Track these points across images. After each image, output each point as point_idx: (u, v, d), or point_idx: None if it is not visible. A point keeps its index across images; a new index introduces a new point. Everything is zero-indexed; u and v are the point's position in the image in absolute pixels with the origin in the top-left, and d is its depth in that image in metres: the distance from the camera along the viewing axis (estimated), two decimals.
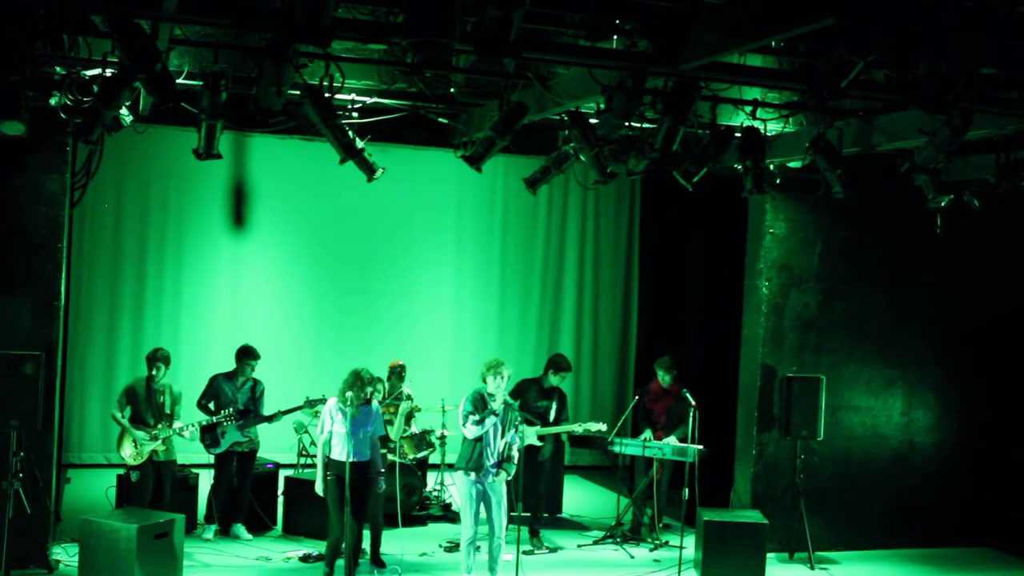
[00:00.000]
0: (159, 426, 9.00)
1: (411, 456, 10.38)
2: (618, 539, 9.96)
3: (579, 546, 9.93)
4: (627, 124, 7.31)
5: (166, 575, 7.98)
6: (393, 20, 5.99)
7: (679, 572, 8.73)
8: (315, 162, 11.04)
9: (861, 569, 9.80)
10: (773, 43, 6.57)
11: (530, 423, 9.46)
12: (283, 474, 10.31)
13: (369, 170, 7.61)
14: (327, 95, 6.96)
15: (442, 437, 10.76)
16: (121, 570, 7.73)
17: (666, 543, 9.86)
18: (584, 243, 13.89)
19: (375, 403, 8.31)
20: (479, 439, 8.13)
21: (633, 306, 14.12)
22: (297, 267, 13.04)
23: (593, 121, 7.68)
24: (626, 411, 10.18)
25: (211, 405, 9.57)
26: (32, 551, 8.32)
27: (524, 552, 8.88)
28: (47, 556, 8.43)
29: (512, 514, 8.49)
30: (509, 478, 8.26)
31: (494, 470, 8.17)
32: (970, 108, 6.87)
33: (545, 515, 10.56)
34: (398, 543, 9.28)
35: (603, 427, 10.09)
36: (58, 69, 7.06)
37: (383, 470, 8.43)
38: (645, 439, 9.87)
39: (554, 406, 9.69)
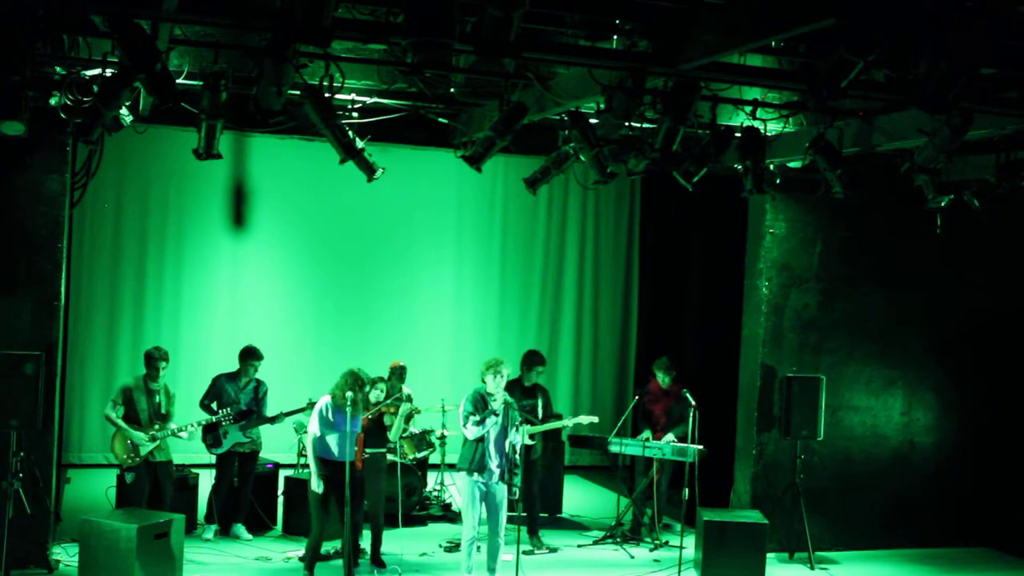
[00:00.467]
0: (156, 426, 8.98)
1: (411, 456, 10.38)
2: (618, 539, 9.96)
3: (579, 546, 9.93)
4: (627, 124, 7.30)
5: (166, 575, 7.98)
6: (393, 20, 5.99)
7: (679, 572, 8.73)
8: (315, 162, 11.04)
9: (861, 569, 9.80)
10: (773, 43, 6.57)
11: (529, 422, 9.46)
12: (283, 474, 10.31)
13: (369, 170, 7.61)
14: (327, 95, 6.96)
15: (442, 437, 10.76)
16: (121, 570, 7.73)
17: (666, 543, 9.86)
18: (584, 243, 13.89)
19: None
20: (480, 439, 8.12)
21: (633, 306, 14.12)
22: (297, 267, 13.04)
23: (593, 121, 7.68)
24: (626, 411, 10.18)
25: (213, 405, 9.57)
26: (32, 551, 8.32)
27: (524, 552, 8.88)
28: (47, 556, 8.43)
29: (511, 514, 8.49)
30: (515, 497, 8.26)
31: (497, 471, 8.16)
32: (970, 108, 6.87)
33: (545, 515, 10.57)
34: (398, 543, 9.28)
35: (595, 419, 10.13)
36: (58, 69, 7.06)
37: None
38: (645, 439, 9.87)
39: (540, 403, 9.69)
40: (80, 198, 9.01)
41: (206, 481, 9.95)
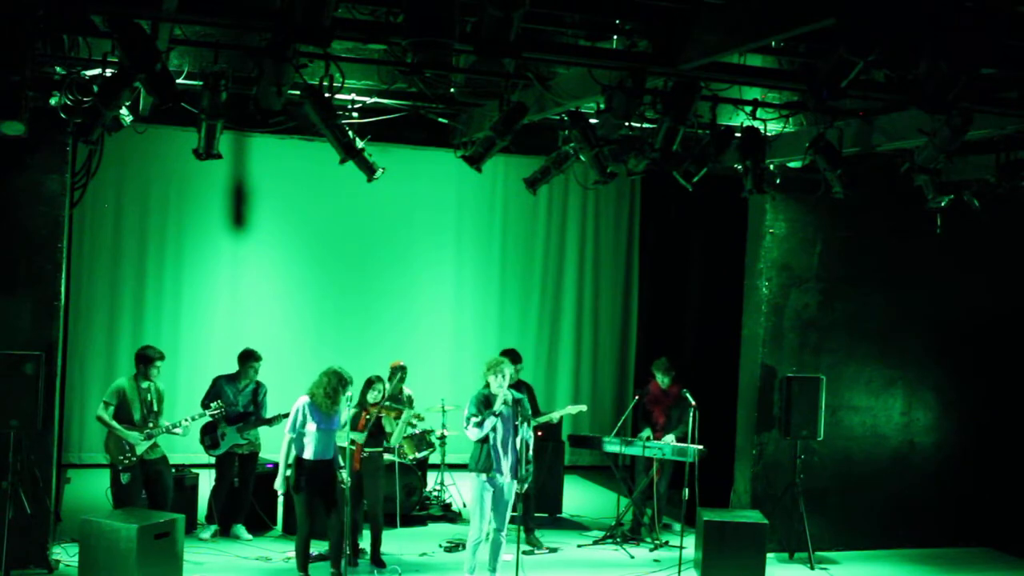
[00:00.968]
0: (149, 425, 8.96)
1: (411, 456, 10.38)
2: (618, 539, 9.95)
3: (579, 546, 9.93)
4: (627, 124, 7.30)
5: (166, 575, 7.98)
6: (393, 20, 5.99)
7: (679, 572, 8.73)
8: (315, 162, 11.03)
9: (861, 569, 9.80)
10: (773, 43, 6.56)
11: (526, 420, 9.44)
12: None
13: (369, 170, 7.61)
14: (327, 95, 6.96)
15: (442, 437, 10.75)
16: (121, 570, 7.72)
17: (666, 543, 9.86)
18: (584, 243, 13.89)
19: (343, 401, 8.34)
20: (485, 440, 8.11)
21: (633, 306, 14.12)
22: (297, 267, 13.04)
23: (593, 121, 7.68)
24: (626, 411, 10.18)
25: (213, 405, 9.58)
26: (32, 551, 8.32)
27: (524, 552, 8.88)
28: (47, 556, 8.43)
29: (513, 514, 8.49)
30: (521, 491, 8.25)
31: (508, 470, 8.13)
32: (970, 108, 6.87)
33: (544, 515, 10.57)
34: (398, 543, 9.28)
35: (583, 408, 10.15)
36: (58, 69, 7.06)
37: (344, 465, 8.44)
38: (646, 438, 9.86)
39: (525, 400, 9.66)
40: (80, 198, 9.01)
41: (205, 481, 9.96)
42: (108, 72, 6.71)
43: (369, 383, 8.86)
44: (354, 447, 8.70)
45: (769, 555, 9.24)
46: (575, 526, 10.74)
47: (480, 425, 8.08)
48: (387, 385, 9.15)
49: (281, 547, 9.34)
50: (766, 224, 10.06)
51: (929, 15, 5.20)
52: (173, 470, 9.52)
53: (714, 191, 9.96)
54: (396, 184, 10.79)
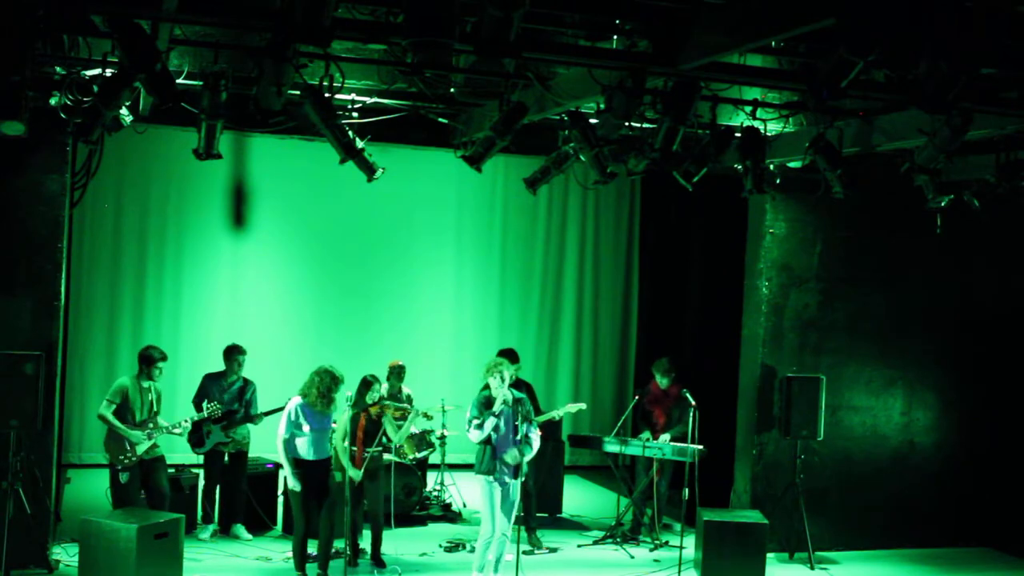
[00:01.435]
0: (150, 425, 8.96)
1: (411, 456, 10.37)
2: (618, 539, 9.95)
3: (579, 546, 9.92)
4: (627, 124, 7.30)
5: (166, 575, 7.98)
6: (393, 20, 5.99)
7: (679, 572, 8.73)
8: (315, 162, 11.03)
9: (861, 569, 9.81)
10: (773, 43, 6.56)
11: (527, 420, 9.43)
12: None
13: (369, 170, 7.61)
14: (327, 95, 6.96)
15: (442, 437, 10.75)
16: (121, 570, 7.72)
17: (666, 543, 9.86)
18: (584, 243, 13.89)
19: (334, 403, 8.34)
20: (488, 441, 8.10)
21: (633, 306, 14.12)
22: (297, 267, 13.04)
23: (593, 121, 7.68)
24: (626, 411, 10.17)
25: (204, 404, 9.58)
26: (32, 551, 8.32)
27: (524, 552, 8.87)
28: (47, 556, 8.43)
29: (513, 513, 8.48)
30: (526, 457, 8.19)
31: (512, 471, 8.12)
32: (970, 108, 6.86)
33: (544, 515, 10.57)
34: (398, 543, 9.28)
35: (582, 406, 10.16)
36: (58, 69, 7.06)
37: (334, 468, 8.43)
38: (645, 439, 9.86)
39: (526, 399, 9.66)
40: (80, 198, 9.01)
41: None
42: (108, 72, 6.71)
43: (367, 383, 8.84)
44: (355, 450, 8.70)
45: (769, 555, 9.24)
46: (575, 526, 10.74)
47: (480, 427, 8.07)
48: (384, 385, 9.14)
49: (281, 547, 9.34)
50: (766, 224, 10.06)
51: (929, 15, 5.20)
52: (172, 470, 9.52)
53: (714, 191, 9.96)
54: (396, 184, 10.77)
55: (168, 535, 7.99)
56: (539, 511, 10.30)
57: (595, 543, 10.00)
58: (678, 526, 9.60)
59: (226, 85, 6.88)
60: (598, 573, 9.19)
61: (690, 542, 9.37)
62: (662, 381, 9.98)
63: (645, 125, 7.87)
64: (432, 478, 11.16)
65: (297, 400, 8.26)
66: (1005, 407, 10.74)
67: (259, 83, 6.43)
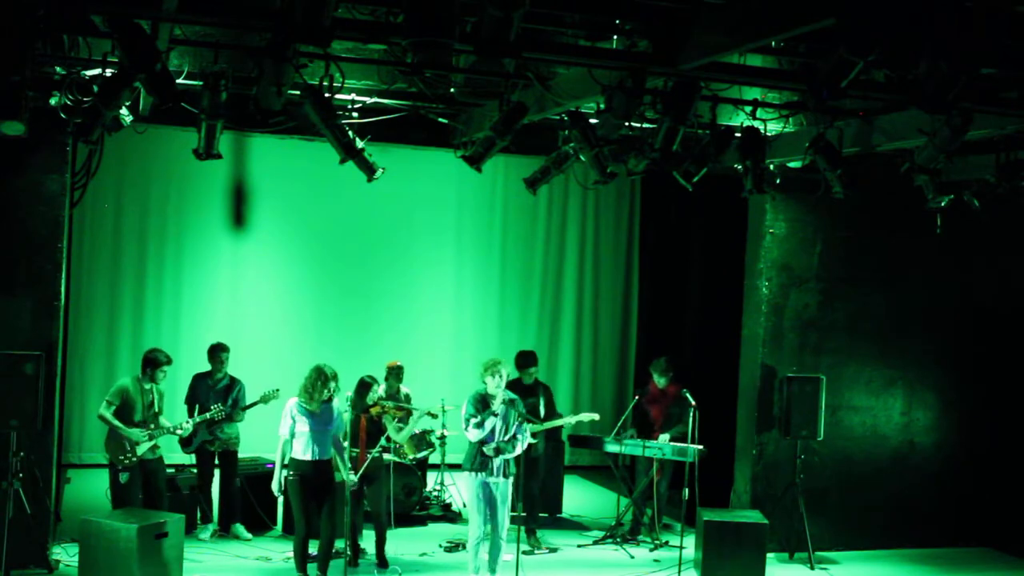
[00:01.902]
0: (151, 425, 8.96)
1: (411, 456, 10.37)
2: (618, 539, 9.96)
3: (579, 546, 9.93)
4: (627, 124, 7.30)
5: (166, 575, 7.98)
6: (393, 20, 5.99)
7: (679, 572, 8.73)
8: (315, 162, 11.03)
9: (861, 569, 9.81)
10: (773, 43, 6.56)
11: (529, 421, 9.45)
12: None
13: (369, 170, 7.61)
14: (327, 95, 6.96)
15: (442, 437, 10.75)
16: (121, 570, 7.73)
17: (666, 543, 9.86)
18: (584, 243, 13.89)
19: (337, 402, 8.29)
20: (483, 440, 8.11)
21: (633, 306, 14.12)
22: (297, 267, 13.05)
23: (593, 121, 7.68)
24: (626, 411, 10.17)
25: (197, 406, 9.59)
26: (32, 551, 8.32)
27: (524, 552, 8.88)
28: (47, 556, 8.43)
29: (512, 514, 8.49)
30: (511, 455, 8.20)
31: (501, 469, 8.15)
32: (970, 108, 6.86)
33: (545, 515, 10.57)
34: (398, 543, 9.28)
35: (596, 416, 10.13)
36: (58, 69, 7.06)
37: (339, 468, 8.43)
38: (629, 436, 9.84)
39: (542, 401, 9.69)
40: (80, 198, 9.01)
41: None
42: (108, 72, 6.71)
43: (365, 385, 8.84)
44: (357, 451, 8.71)
45: (769, 555, 9.24)
46: (575, 526, 10.74)
47: (480, 425, 8.08)
48: (382, 385, 9.14)
49: (281, 547, 9.34)
50: (766, 224, 10.06)
51: (929, 15, 5.20)
52: (171, 470, 9.52)
53: (714, 191, 9.96)
54: (396, 184, 10.78)
55: (168, 535, 7.99)
56: (540, 511, 10.30)
57: (595, 543, 10.00)
58: (678, 526, 9.60)
59: (226, 85, 6.88)
60: (598, 573, 9.19)
61: (690, 542, 9.37)
62: (660, 381, 9.98)
63: (645, 125, 7.87)
64: (432, 478, 11.16)
65: (294, 400, 8.26)
66: (1005, 407, 10.74)
67: (259, 83, 6.44)
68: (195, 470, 9.85)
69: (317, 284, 13.07)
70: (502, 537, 8.30)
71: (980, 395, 10.72)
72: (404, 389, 10.40)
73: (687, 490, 8.94)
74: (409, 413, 9.46)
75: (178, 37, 6.75)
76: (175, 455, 9.93)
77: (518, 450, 8.25)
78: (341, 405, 8.34)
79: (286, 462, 8.24)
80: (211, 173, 11.91)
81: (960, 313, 10.64)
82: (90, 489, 10.65)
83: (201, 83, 6.98)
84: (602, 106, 7.07)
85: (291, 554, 8.64)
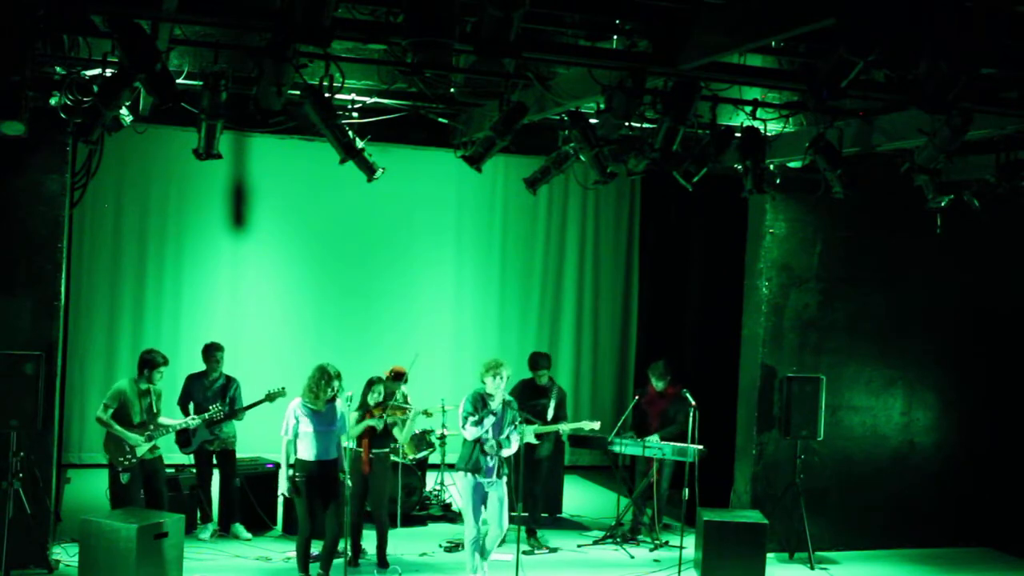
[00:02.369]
0: (150, 427, 8.95)
1: (411, 456, 10.38)
2: (618, 539, 9.96)
3: (579, 546, 9.93)
4: (627, 124, 7.30)
5: (166, 575, 7.98)
6: (393, 20, 5.99)
7: (679, 572, 8.73)
8: (315, 162, 11.03)
9: (861, 569, 9.81)
10: (773, 43, 6.56)
11: (529, 422, 9.46)
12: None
13: (369, 170, 7.61)
14: (327, 95, 6.96)
15: (442, 437, 10.75)
16: (121, 570, 7.73)
17: (666, 543, 9.86)
18: (584, 243, 13.89)
19: (340, 402, 8.29)
20: (477, 439, 8.13)
21: (633, 306, 14.12)
22: (297, 267, 13.04)
23: (593, 121, 7.68)
24: (626, 412, 10.17)
25: (190, 406, 9.59)
26: (32, 551, 8.32)
27: (524, 552, 8.88)
28: (47, 556, 8.43)
29: (512, 514, 8.50)
30: (504, 452, 8.20)
31: (495, 470, 8.16)
32: (970, 108, 6.86)
33: (545, 515, 10.57)
34: (398, 543, 9.28)
35: (596, 426, 10.09)
36: (58, 69, 7.06)
37: (345, 469, 8.44)
38: (634, 439, 9.85)
39: (552, 404, 9.69)
40: (80, 198, 9.01)
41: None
42: (108, 72, 6.71)
43: (370, 384, 8.85)
44: (361, 451, 8.71)
45: (769, 555, 9.24)
46: (575, 526, 10.74)
47: (479, 424, 8.09)
48: (382, 387, 9.14)
49: (281, 547, 9.34)
50: (766, 224, 10.06)
51: (929, 15, 5.20)
52: (171, 470, 9.51)
53: (714, 191, 9.96)
54: (396, 184, 10.78)
55: (168, 535, 7.99)
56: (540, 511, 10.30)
57: (595, 543, 10.00)
58: (678, 526, 9.59)
59: (226, 85, 6.88)
60: (598, 573, 9.19)
61: (690, 542, 9.37)
62: (658, 384, 9.97)
63: (645, 125, 7.87)
64: (432, 478, 11.16)
65: (297, 400, 8.25)
66: (1005, 407, 10.74)
67: (259, 83, 6.43)
68: (194, 470, 9.86)
69: (317, 284, 13.07)
70: (501, 529, 8.27)
71: (980, 395, 10.72)
72: (403, 388, 10.38)
73: (687, 490, 8.94)
74: (405, 412, 9.45)
75: (178, 37, 6.75)
76: (174, 455, 9.92)
77: (513, 447, 8.24)
78: (343, 405, 8.33)
79: (291, 462, 8.23)
80: (211, 173, 11.90)
81: (960, 313, 10.64)
82: (90, 489, 10.65)
83: (201, 83, 6.98)
84: (602, 106, 7.07)
85: (291, 554, 8.65)
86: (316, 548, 8.46)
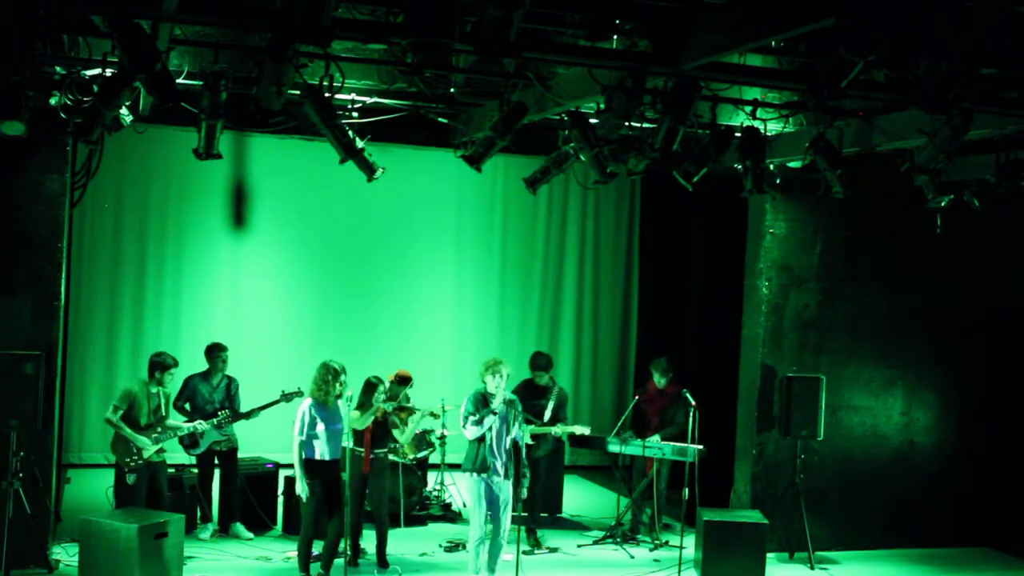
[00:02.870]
0: (158, 428, 8.95)
1: (411, 456, 10.37)
2: (618, 539, 9.95)
3: (579, 546, 9.92)
4: (627, 124, 7.30)
5: (166, 575, 7.98)
6: (393, 20, 5.99)
7: (679, 572, 8.73)
8: (315, 162, 11.03)
9: (861, 569, 9.80)
10: (773, 43, 6.56)
11: (529, 422, 9.46)
12: (283, 474, 10.30)
13: (369, 170, 7.61)
14: (327, 95, 6.96)
15: (442, 437, 10.75)
16: (121, 570, 7.73)
17: (666, 543, 9.86)
18: (584, 243, 13.89)
19: (340, 402, 8.29)
20: (481, 439, 8.13)
21: (633, 306, 14.12)
22: (297, 267, 13.04)
23: (593, 121, 7.68)
24: (626, 411, 10.17)
25: (187, 406, 9.57)
26: (32, 551, 8.31)
27: (524, 552, 8.88)
28: (47, 556, 8.43)
29: (512, 514, 8.49)
30: (524, 497, 8.30)
31: (502, 469, 8.16)
32: (970, 108, 6.87)
33: (544, 515, 10.57)
34: (398, 543, 9.28)
35: (586, 430, 10.08)
36: (58, 69, 7.06)
37: (344, 468, 8.44)
38: (633, 438, 9.84)
39: (550, 405, 9.69)
40: (80, 198, 9.01)
41: None
42: (108, 72, 6.71)
43: (371, 385, 8.84)
44: (362, 451, 8.70)
45: (769, 555, 9.24)
46: (575, 526, 10.74)
47: (479, 423, 8.09)
48: (387, 385, 9.14)
49: (281, 547, 9.35)
50: (766, 224, 10.06)
51: (929, 15, 5.20)
52: (172, 470, 9.51)
53: (714, 191, 9.96)
54: (396, 184, 10.79)
55: (168, 535, 7.99)
56: (540, 511, 10.30)
57: (595, 543, 10.00)
58: (678, 526, 9.60)
59: (226, 85, 6.88)
60: (598, 573, 9.19)
61: (690, 542, 9.37)
62: (660, 381, 9.99)
63: (645, 125, 7.87)
64: (432, 478, 11.16)
65: (308, 401, 8.25)
66: (1005, 407, 10.74)
67: (259, 83, 6.43)
68: (195, 470, 9.85)
69: (317, 284, 13.07)
70: (503, 537, 8.30)
71: (980, 395, 10.71)
72: (406, 392, 10.39)
73: (687, 490, 8.94)
74: (411, 413, 9.46)
75: (178, 37, 6.75)
76: (176, 454, 9.92)
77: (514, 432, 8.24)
78: (342, 401, 8.34)
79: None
80: (211, 173, 11.90)
81: (960, 313, 10.64)
82: (90, 489, 10.66)
83: (201, 83, 6.98)
84: (602, 106, 7.07)
85: (291, 554, 8.64)
86: (315, 548, 8.46)
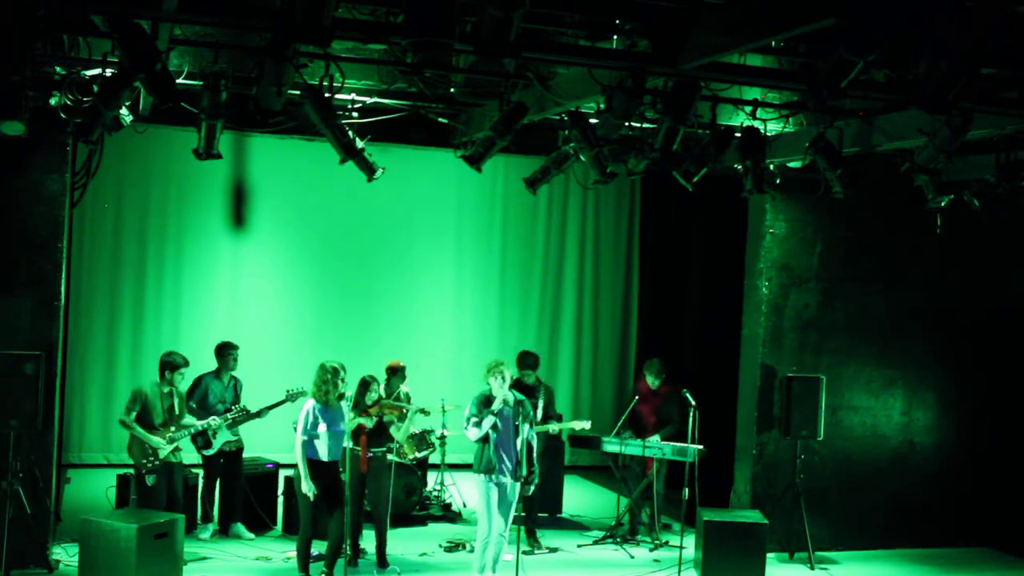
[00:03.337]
0: (172, 428, 8.94)
1: (411, 456, 10.37)
2: (618, 539, 9.96)
3: (579, 546, 9.92)
4: (627, 124, 7.30)
5: (166, 575, 7.98)
6: (393, 20, 5.99)
7: (679, 572, 8.73)
8: (315, 162, 11.04)
9: (861, 569, 9.80)
10: (773, 43, 6.56)
11: (527, 422, 9.44)
12: (283, 474, 10.30)
13: (369, 170, 7.61)
14: (327, 95, 6.96)
15: (442, 437, 10.75)
16: (121, 570, 7.73)
17: (666, 543, 9.86)
18: (584, 243, 13.89)
19: (344, 401, 8.30)
20: (486, 439, 8.12)
21: (633, 306, 14.12)
22: (297, 267, 13.05)
23: (593, 121, 7.68)
24: (625, 411, 10.17)
25: (193, 405, 9.56)
26: (32, 551, 8.32)
27: (524, 552, 8.88)
28: (47, 556, 8.43)
29: (512, 514, 8.49)
30: (528, 493, 8.34)
31: (509, 470, 8.15)
32: (970, 108, 6.87)
33: (544, 515, 10.57)
34: (398, 543, 9.27)
35: (586, 425, 10.11)
36: (58, 69, 7.06)
37: (344, 468, 8.44)
38: (634, 438, 9.85)
39: (540, 403, 9.68)
40: (80, 198, 9.01)
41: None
42: (108, 72, 6.71)
43: (365, 384, 8.84)
44: (359, 450, 8.71)
45: (769, 555, 9.24)
46: (575, 526, 10.74)
47: (479, 424, 8.08)
48: (381, 385, 9.14)
49: (281, 547, 9.35)
50: (766, 224, 10.07)
51: (929, 15, 5.20)
52: (191, 471, 9.49)
53: (714, 191, 9.97)
54: (396, 184, 10.79)
55: (168, 535, 7.99)
56: (539, 511, 10.30)
57: (595, 543, 10.00)
58: (678, 526, 9.60)
59: (226, 85, 6.88)
60: (598, 573, 9.19)
61: (690, 542, 9.37)
62: (653, 382, 10.00)
63: (645, 125, 7.87)
64: (432, 478, 11.16)
65: (311, 402, 8.26)
66: (1005, 407, 10.74)
67: (259, 83, 6.43)
68: (195, 470, 9.84)
69: (317, 284, 13.07)
70: (504, 537, 8.29)
71: (980, 395, 10.71)
72: (404, 388, 10.39)
73: (687, 490, 8.94)
74: (404, 411, 9.46)
75: (178, 37, 6.75)
76: (190, 455, 9.92)
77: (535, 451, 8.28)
78: (343, 401, 8.35)
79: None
80: (211, 173, 11.91)
81: (960, 313, 10.64)
82: (90, 489, 10.66)
83: (201, 83, 6.98)
84: (602, 106, 7.07)
85: (291, 554, 8.64)
86: (315, 548, 8.46)
